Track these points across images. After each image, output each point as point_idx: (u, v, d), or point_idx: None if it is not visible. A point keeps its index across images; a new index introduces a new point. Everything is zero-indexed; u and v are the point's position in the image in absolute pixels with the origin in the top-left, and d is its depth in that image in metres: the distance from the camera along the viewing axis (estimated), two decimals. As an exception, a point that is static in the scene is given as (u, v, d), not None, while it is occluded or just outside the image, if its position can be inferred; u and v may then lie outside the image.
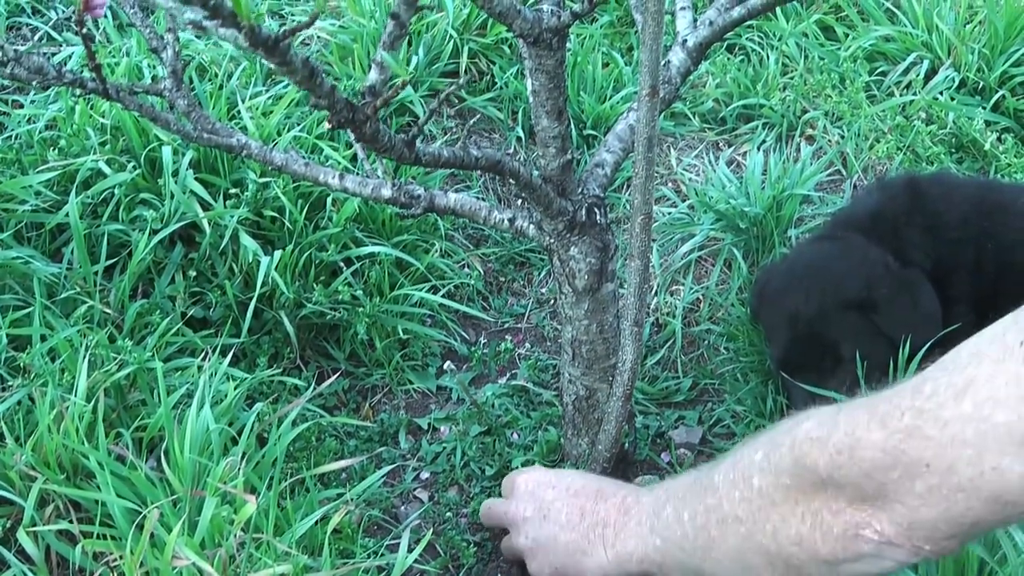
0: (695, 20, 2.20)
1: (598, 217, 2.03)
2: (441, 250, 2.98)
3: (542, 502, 1.97)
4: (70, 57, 3.26)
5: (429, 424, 2.65)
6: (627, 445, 2.37)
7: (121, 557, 1.82)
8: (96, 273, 2.54)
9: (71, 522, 1.97)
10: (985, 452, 1.15)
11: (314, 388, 2.51)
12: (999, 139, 3.22)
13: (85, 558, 1.93)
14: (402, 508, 2.43)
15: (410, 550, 2.06)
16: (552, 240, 2.03)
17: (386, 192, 1.86)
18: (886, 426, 1.26)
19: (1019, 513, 1.20)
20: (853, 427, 1.31)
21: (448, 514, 2.40)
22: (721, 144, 3.45)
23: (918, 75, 3.42)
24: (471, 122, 3.43)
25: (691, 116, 3.50)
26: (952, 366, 1.22)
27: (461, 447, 2.53)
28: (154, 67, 3.08)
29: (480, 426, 2.57)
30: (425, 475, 2.52)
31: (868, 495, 1.29)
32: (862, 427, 1.29)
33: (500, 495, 2.40)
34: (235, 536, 1.86)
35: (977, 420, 1.15)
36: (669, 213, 3.14)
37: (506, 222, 2.02)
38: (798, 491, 1.40)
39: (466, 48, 3.47)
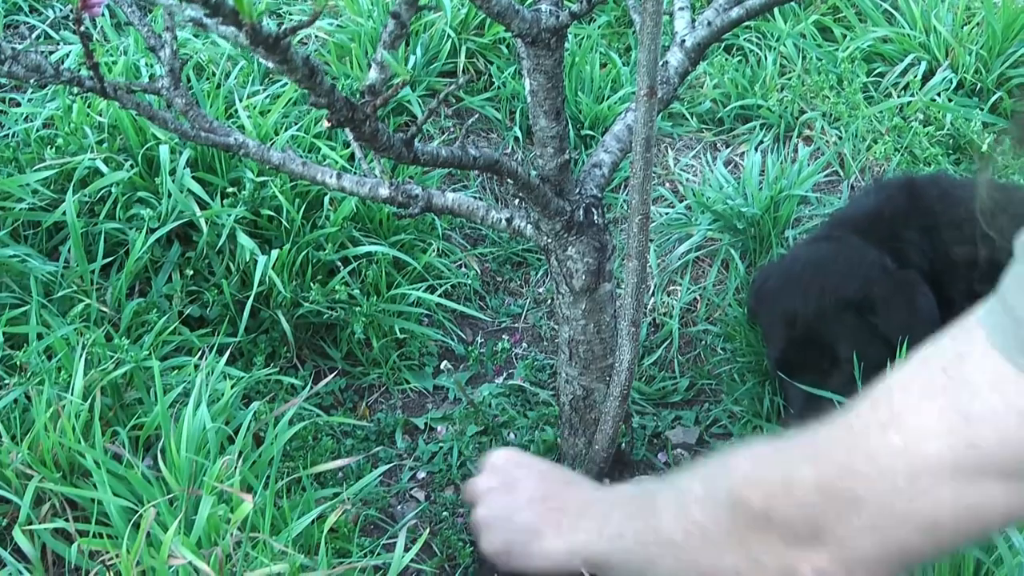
0: (693, 20, 2.20)
1: (596, 217, 2.03)
2: (438, 250, 2.98)
3: (509, 477, 1.96)
4: (67, 55, 3.26)
5: (426, 423, 2.65)
6: (624, 445, 2.37)
7: (117, 556, 1.82)
8: (93, 272, 2.54)
9: (67, 520, 1.97)
10: (916, 482, 1.16)
11: (311, 387, 2.50)
12: (996, 140, 3.22)
13: (81, 557, 1.93)
14: (399, 507, 2.43)
15: (406, 549, 2.05)
16: (549, 240, 2.03)
17: (383, 191, 1.86)
18: (818, 465, 1.26)
19: (951, 538, 1.20)
20: (788, 467, 1.31)
21: (445, 513, 2.40)
22: (719, 144, 3.45)
23: (916, 76, 3.42)
24: (469, 122, 3.43)
25: (689, 116, 3.50)
26: (883, 398, 1.22)
27: (458, 447, 2.53)
28: (152, 66, 3.08)
29: (477, 426, 2.57)
30: (422, 474, 2.52)
31: (805, 533, 1.30)
32: (796, 467, 1.30)
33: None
34: (231, 535, 1.85)
35: (908, 453, 1.16)
36: (667, 213, 3.14)
37: (503, 222, 2.01)
38: (736, 528, 1.40)
39: (464, 48, 3.47)
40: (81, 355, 2.16)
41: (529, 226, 2.02)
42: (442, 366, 2.82)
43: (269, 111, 2.96)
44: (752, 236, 2.95)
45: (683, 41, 2.17)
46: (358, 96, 1.45)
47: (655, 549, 1.57)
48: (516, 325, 2.96)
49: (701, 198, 3.06)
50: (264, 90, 3.13)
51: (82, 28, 1.56)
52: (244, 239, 2.63)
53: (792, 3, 3.76)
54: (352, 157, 2.91)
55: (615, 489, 1.83)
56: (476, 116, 3.45)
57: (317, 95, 1.37)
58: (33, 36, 3.52)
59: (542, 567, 1.81)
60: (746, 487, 1.37)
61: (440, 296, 2.86)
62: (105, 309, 2.49)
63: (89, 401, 2.10)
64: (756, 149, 3.30)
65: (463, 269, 3.04)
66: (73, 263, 2.54)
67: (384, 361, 2.74)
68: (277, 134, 2.90)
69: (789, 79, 3.52)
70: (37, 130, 2.83)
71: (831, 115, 3.39)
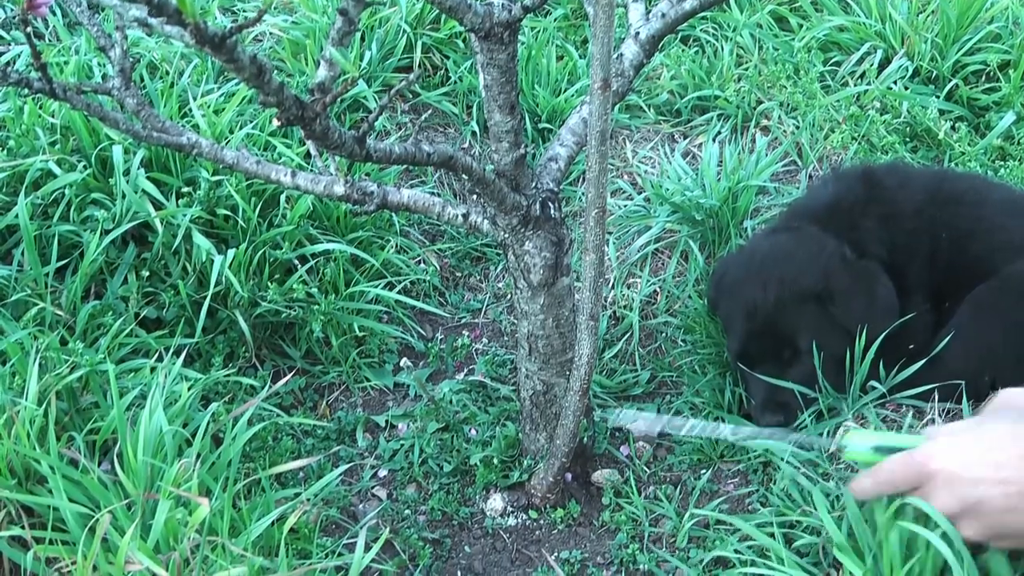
0: (647, 12, 2.20)
1: (552, 211, 2.02)
2: (396, 246, 2.97)
3: (965, 492, 1.87)
4: (19, 56, 3.22)
5: (387, 421, 2.63)
6: (586, 439, 2.37)
7: (74, 562, 1.80)
8: (47, 275, 2.51)
9: (23, 528, 1.94)
10: None
11: (270, 387, 2.49)
12: (953, 128, 3.24)
13: (37, 564, 1.90)
14: (360, 506, 2.41)
15: (367, 549, 2.04)
16: (506, 235, 2.02)
17: (339, 189, 1.84)
18: None
19: None
20: None
21: (406, 512, 2.39)
22: (676, 136, 3.45)
23: (872, 65, 3.43)
24: (423, 117, 3.42)
25: (646, 108, 3.50)
26: None
27: (419, 444, 2.52)
28: (104, 65, 3.05)
29: (438, 422, 2.56)
30: (383, 473, 2.50)
31: None
32: None
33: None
34: (189, 539, 1.83)
35: None
36: (625, 206, 3.14)
37: (460, 218, 2.00)
38: None
39: (419, 43, 3.46)
40: (35, 359, 2.14)
41: (486, 221, 2.01)
42: (402, 363, 2.81)
43: (223, 109, 2.93)
44: (711, 227, 2.95)
45: (637, 33, 2.16)
46: (309, 94, 1.44)
47: None
48: (476, 321, 2.96)
49: (659, 190, 3.06)
50: (218, 88, 3.11)
51: (29, 29, 1.54)
52: (200, 239, 2.61)
53: (748, -7, 3.77)
54: (308, 155, 2.89)
55: None
56: (432, 111, 3.44)
57: (266, 94, 1.36)
58: (-17, 37, 3.48)
59: None
60: None
61: (399, 293, 2.85)
62: (60, 312, 2.46)
63: (44, 406, 2.07)
64: (714, 140, 3.30)
65: (422, 265, 3.02)
66: (27, 266, 2.52)
67: (344, 359, 2.73)
68: (232, 132, 2.88)
69: (746, 69, 3.52)
70: (-12, 132, 2.81)
71: (788, 105, 3.39)
